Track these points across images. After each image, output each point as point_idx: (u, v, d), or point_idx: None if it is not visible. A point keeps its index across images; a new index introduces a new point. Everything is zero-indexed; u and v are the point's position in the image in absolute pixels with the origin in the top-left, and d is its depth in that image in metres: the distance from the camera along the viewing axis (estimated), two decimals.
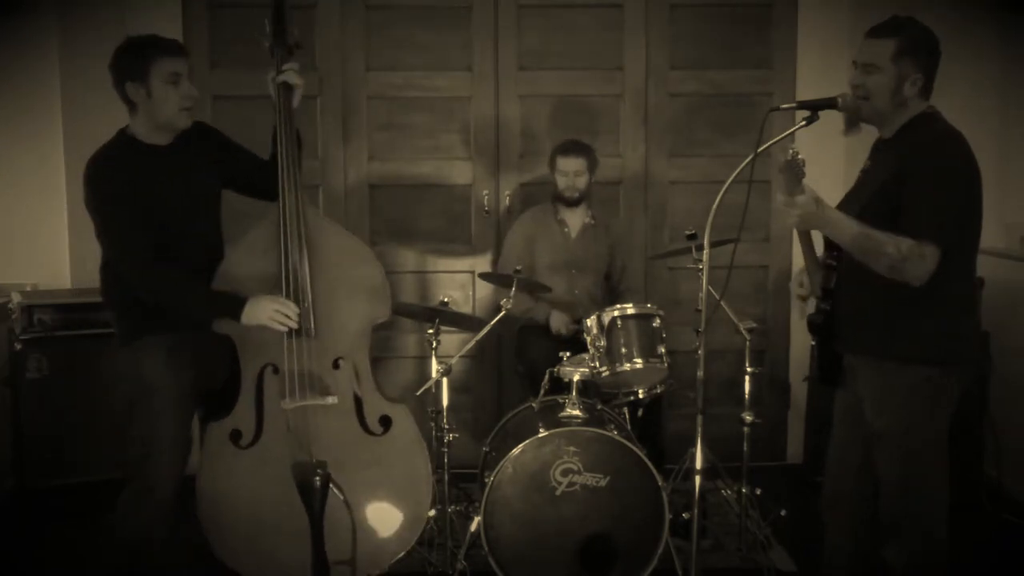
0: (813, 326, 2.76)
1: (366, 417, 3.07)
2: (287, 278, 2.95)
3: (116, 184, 2.84)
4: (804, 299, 2.83)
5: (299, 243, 2.96)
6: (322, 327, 2.99)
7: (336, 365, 3.03)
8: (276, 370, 2.98)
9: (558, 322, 3.99)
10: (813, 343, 2.84)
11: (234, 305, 2.89)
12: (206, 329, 2.95)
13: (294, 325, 2.90)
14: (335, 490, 2.90)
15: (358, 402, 3.06)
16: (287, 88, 3.05)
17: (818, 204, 2.47)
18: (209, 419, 3.04)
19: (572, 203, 4.13)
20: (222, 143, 3.14)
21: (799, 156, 2.45)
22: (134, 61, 2.85)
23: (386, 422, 3.08)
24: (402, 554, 3.12)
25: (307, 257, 2.97)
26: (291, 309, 2.90)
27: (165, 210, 2.89)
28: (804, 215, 2.48)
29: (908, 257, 2.43)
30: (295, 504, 2.88)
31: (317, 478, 2.85)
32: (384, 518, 3.05)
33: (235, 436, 2.99)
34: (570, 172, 4.07)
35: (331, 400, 2.98)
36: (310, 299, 2.97)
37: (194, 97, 2.92)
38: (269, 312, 2.88)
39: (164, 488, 2.90)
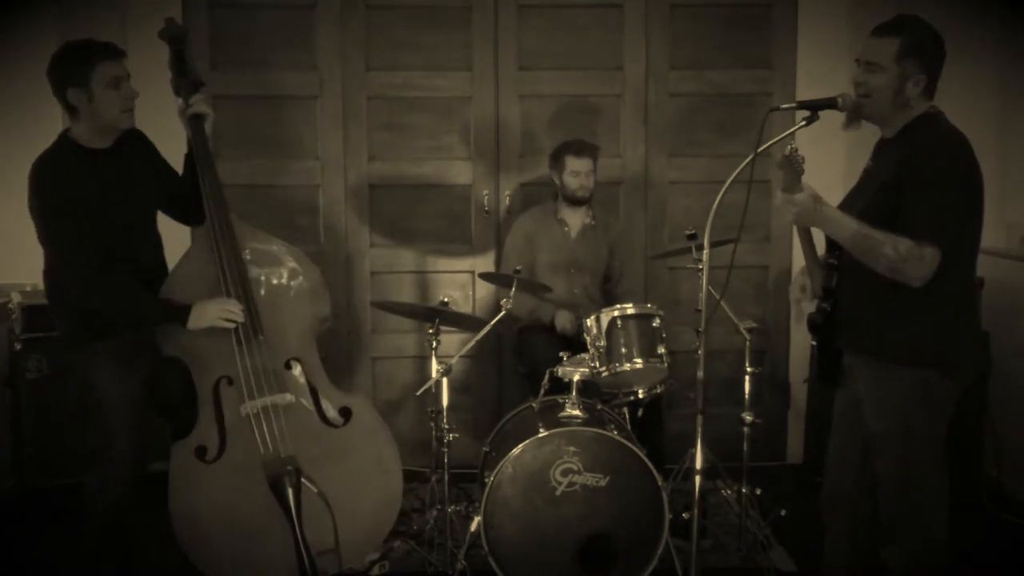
0: (813, 325, 2.76)
1: (325, 410, 3.16)
2: (227, 289, 3.03)
3: (59, 189, 2.88)
4: (801, 303, 2.83)
5: (234, 259, 3.06)
6: (268, 333, 3.09)
7: (288, 366, 3.14)
8: (231, 381, 3.05)
9: (563, 321, 3.99)
10: (813, 343, 2.84)
11: (180, 311, 2.97)
12: (149, 332, 3.02)
13: (240, 319, 3.00)
14: (308, 484, 2.94)
15: (315, 397, 3.16)
16: (197, 118, 3.12)
17: (816, 202, 2.47)
18: (173, 438, 3.10)
19: (582, 202, 4.13)
20: (156, 157, 3.20)
21: (798, 152, 2.45)
22: (75, 67, 2.88)
23: (346, 413, 3.18)
24: (385, 536, 3.21)
25: (245, 270, 3.08)
26: (235, 306, 3.00)
27: (107, 214, 2.93)
28: (802, 212, 2.49)
29: (907, 258, 2.43)
30: (271, 507, 2.91)
31: (288, 475, 2.90)
32: (359, 504, 3.11)
33: (200, 452, 3.04)
34: (582, 172, 4.08)
35: (289, 397, 3.07)
36: (252, 303, 3.06)
37: (134, 98, 2.98)
38: (215, 312, 2.97)
39: (121, 477, 3.01)
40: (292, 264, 3.24)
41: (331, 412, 3.17)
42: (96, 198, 2.90)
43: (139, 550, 3.20)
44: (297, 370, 3.15)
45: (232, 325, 2.99)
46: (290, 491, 2.90)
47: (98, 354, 2.97)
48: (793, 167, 2.45)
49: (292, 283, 3.23)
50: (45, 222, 2.90)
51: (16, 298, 4.06)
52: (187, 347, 3.05)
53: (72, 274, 2.91)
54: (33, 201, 2.90)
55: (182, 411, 3.09)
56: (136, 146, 3.11)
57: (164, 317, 3.01)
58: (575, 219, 4.19)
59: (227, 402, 3.06)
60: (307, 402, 3.14)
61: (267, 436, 3.01)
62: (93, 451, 3.06)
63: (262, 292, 3.15)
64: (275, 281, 3.20)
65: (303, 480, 2.94)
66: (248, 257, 3.15)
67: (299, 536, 2.89)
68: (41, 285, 4.16)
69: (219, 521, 3.01)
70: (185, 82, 3.16)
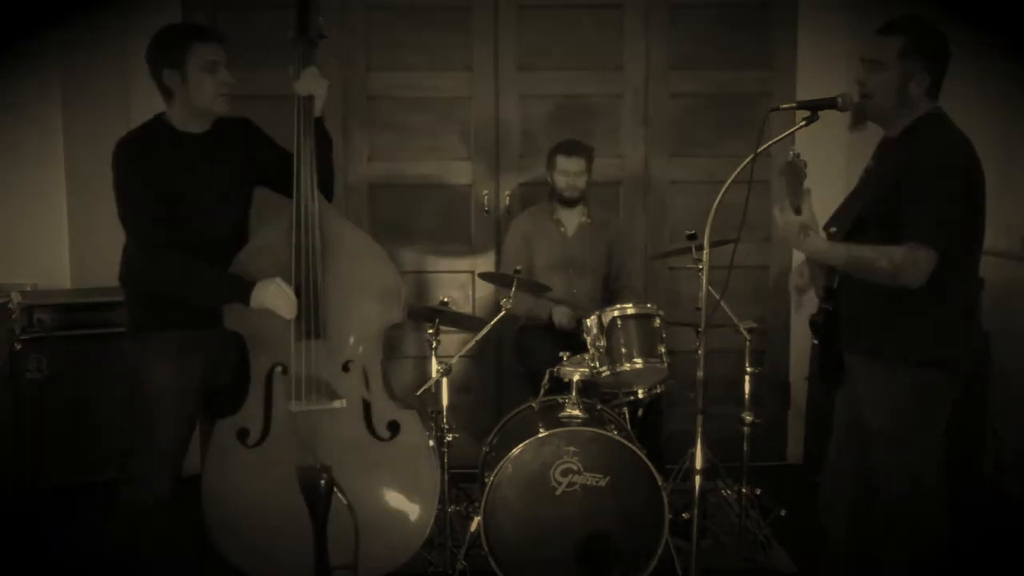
0: (815, 326, 2.76)
1: (374, 422, 3.05)
2: (299, 279, 2.93)
3: (136, 166, 2.84)
4: (802, 292, 2.82)
5: (313, 246, 2.94)
6: (333, 329, 2.99)
7: (346, 368, 3.03)
8: (286, 370, 2.97)
9: (561, 315, 3.98)
10: (815, 342, 2.84)
11: (241, 288, 2.87)
12: (216, 327, 2.95)
13: (289, 315, 2.89)
14: (339, 494, 2.90)
15: (366, 406, 3.05)
16: (306, 98, 3.02)
17: (803, 231, 2.46)
18: (217, 416, 3.03)
19: (572, 203, 4.13)
20: (261, 139, 3.12)
21: (800, 157, 2.44)
22: (171, 49, 2.86)
23: (394, 427, 3.06)
24: (405, 561, 3.12)
25: (321, 259, 2.96)
26: (290, 301, 2.89)
27: (190, 197, 2.89)
28: (786, 236, 2.49)
29: (902, 266, 2.43)
30: (299, 506, 2.88)
31: (322, 482, 2.86)
32: (388, 523, 3.03)
33: (242, 435, 2.99)
34: (571, 172, 4.07)
35: (338, 404, 2.98)
36: (320, 301, 2.95)
37: (229, 84, 2.93)
38: (272, 298, 2.87)
39: (160, 479, 2.93)
40: (372, 262, 3.09)
41: (379, 425, 3.05)
42: (179, 180, 2.87)
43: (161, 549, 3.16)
44: (354, 374, 3.03)
45: (286, 316, 2.89)
46: (320, 499, 2.86)
47: (159, 345, 2.91)
48: (795, 174, 2.44)
49: (368, 282, 3.07)
50: (119, 197, 2.86)
51: (16, 298, 4.06)
52: (249, 325, 2.94)
53: (137, 249, 2.87)
54: (113, 177, 2.87)
55: (229, 392, 3.02)
56: (237, 134, 3.04)
57: (225, 294, 2.91)
58: (571, 219, 4.19)
59: (278, 391, 2.98)
60: (357, 410, 3.03)
61: (309, 439, 2.95)
62: (134, 446, 2.99)
63: (333, 288, 3.00)
64: (351, 277, 3.03)
65: (335, 490, 2.90)
66: (329, 247, 2.99)
67: (321, 545, 2.86)
68: (41, 285, 4.23)
69: (247, 507, 2.96)
70: (303, 44, 3.04)
